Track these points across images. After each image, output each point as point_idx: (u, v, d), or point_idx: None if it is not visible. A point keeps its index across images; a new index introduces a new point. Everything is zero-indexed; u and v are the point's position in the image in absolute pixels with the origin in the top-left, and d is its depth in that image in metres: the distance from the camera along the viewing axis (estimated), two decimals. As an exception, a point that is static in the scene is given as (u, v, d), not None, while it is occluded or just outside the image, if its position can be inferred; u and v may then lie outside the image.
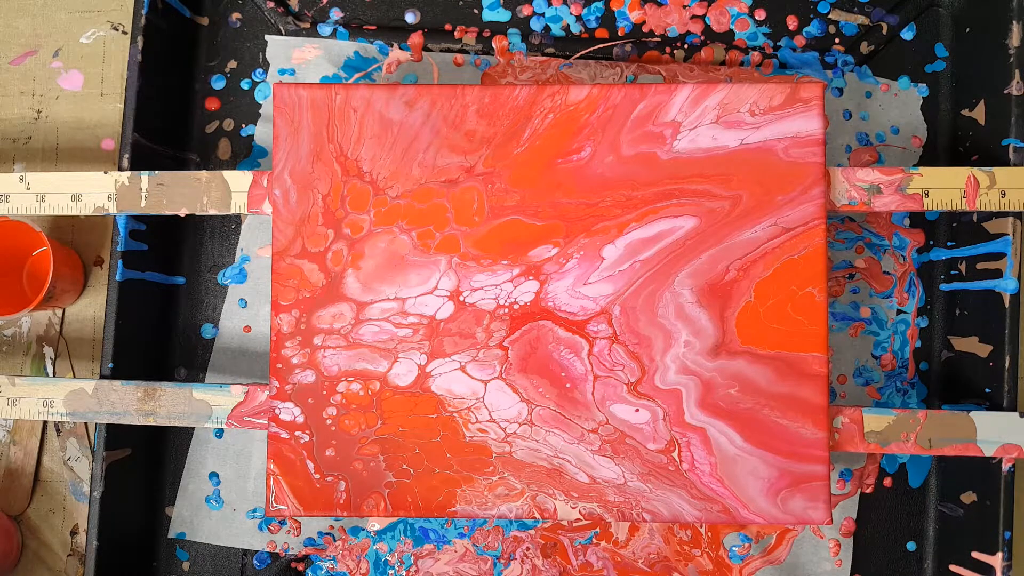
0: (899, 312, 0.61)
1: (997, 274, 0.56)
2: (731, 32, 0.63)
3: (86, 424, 0.63)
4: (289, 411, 0.53)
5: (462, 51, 0.63)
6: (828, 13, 0.62)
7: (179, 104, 0.63)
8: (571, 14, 0.63)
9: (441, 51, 0.63)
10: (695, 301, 0.53)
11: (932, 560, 0.60)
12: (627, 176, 0.53)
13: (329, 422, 0.53)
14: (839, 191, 0.54)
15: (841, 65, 0.62)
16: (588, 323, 0.53)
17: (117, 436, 0.57)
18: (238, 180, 0.55)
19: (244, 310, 0.62)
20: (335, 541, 0.61)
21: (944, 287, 0.61)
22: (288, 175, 0.54)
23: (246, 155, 0.63)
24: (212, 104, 0.64)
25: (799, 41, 0.62)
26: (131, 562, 0.60)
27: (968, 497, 0.57)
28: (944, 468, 0.60)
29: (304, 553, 0.61)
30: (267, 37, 0.64)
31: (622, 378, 0.52)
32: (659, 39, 0.63)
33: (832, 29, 0.62)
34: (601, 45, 0.62)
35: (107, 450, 0.57)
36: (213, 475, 0.61)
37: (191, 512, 0.61)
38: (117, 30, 0.65)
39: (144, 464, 0.61)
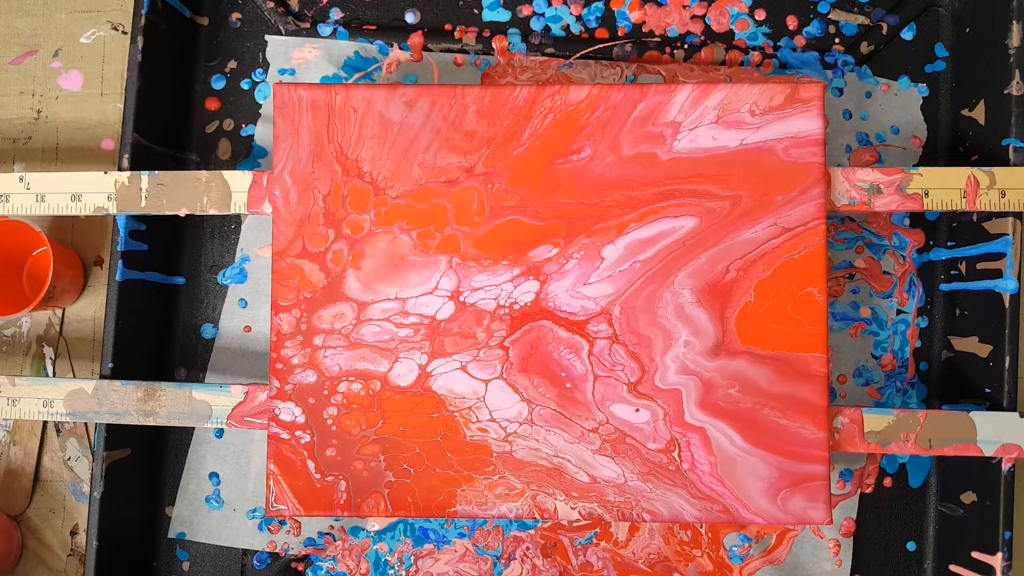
0: (899, 312, 0.61)
1: (997, 274, 0.56)
2: (731, 32, 0.63)
3: (86, 424, 0.63)
4: (289, 411, 0.53)
5: (462, 51, 0.63)
6: (828, 13, 0.62)
7: (179, 104, 0.63)
8: (571, 14, 0.63)
9: (441, 51, 0.63)
10: (695, 301, 0.53)
11: (932, 560, 0.60)
12: (627, 176, 0.53)
13: (330, 422, 0.53)
14: (839, 191, 0.54)
15: (841, 65, 0.62)
16: (588, 323, 0.53)
17: (117, 436, 0.57)
18: (238, 180, 0.55)
19: (244, 310, 0.62)
20: (335, 541, 0.61)
21: (944, 287, 0.61)
22: (288, 175, 0.54)
23: (246, 155, 0.63)
24: (212, 104, 0.64)
25: (799, 41, 0.62)
26: (131, 562, 0.60)
27: (968, 497, 0.57)
28: (944, 468, 0.60)
29: (304, 553, 0.61)
30: (267, 37, 0.64)
31: (622, 378, 0.53)
32: (659, 39, 0.63)
33: (832, 29, 0.62)
34: (601, 45, 0.62)
35: (107, 450, 0.57)
36: (213, 475, 0.61)
37: (191, 512, 0.61)
38: (117, 30, 0.65)
39: (144, 464, 0.61)
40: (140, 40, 0.58)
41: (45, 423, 0.63)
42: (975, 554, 0.56)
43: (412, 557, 0.60)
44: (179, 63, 0.63)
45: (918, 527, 0.60)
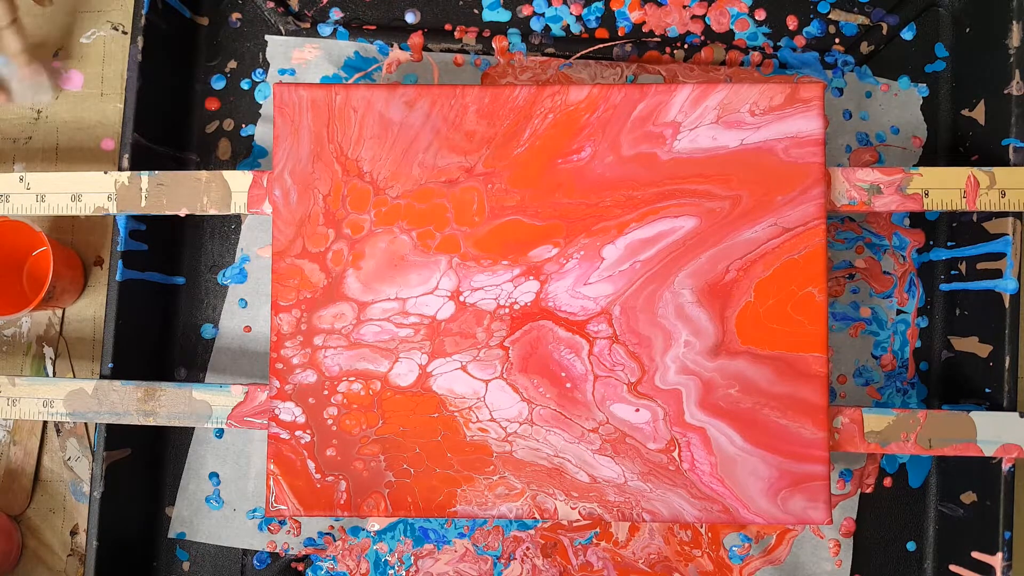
0: (899, 312, 0.61)
1: (997, 274, 0.56)
2: (731, 32, 0.63)
3: (86, 424, 0.63)
4: (289, 411, 0.53)
5: (462, 51, 0.63)
6: (828, 13, 0.62)
7: (179, 104, 0.63)
8: (571, 14, 0.63)
9: (441, 51, 0.63)
10: (695, 301, 0.53)
11: (932, 560, 0.60)
12: (627, 176, 0.53)
13: (330, 422, 0.53)
14: (839, 191, 0.54)
15: (841, 65, 0.62)
16: (588, 323, 0.53)
17: (117, 436, 0.57)
18: (238, 180, 0.55)
19: (244, 310, 0.62)
20: (335, 541, 0.61)
21: (944, 287, 0.61)
22: (288, 175, 0.54)
23: (246, 155, 0.63)
24: (212, 104, 0.64)
25: (799, 41, 0.62)
26: (131, 562, 0.60)
27: (968, 497, 0.57)
28: (944, 468, 0.60)
29: (304, 553, 0.61)
30: (267, 37, 0.64)
31: (622, 378, 0.53)
32: (659, 39, 0.63)
33: (832, 29, 0.62)
34: (601, 45, 0.62)
35: (107, 450, 0.57)
36: (213, 475, 0.61)
37: (191, 512, 0.61)
38: (117, 30, 0.65)
39: (144, 464, 0.61)
40: (140, 40, 0.58)
41: (45, 423, 0.63)
42: (975, 554, 0.56)
43: (412, 557, 0.60)
44: (179, 63, 0.63)
45: (918, 527, 0.60)
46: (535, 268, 0.53)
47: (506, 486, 0.53)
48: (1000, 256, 0.56)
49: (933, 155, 0.62)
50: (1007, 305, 0.55)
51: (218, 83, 0.64)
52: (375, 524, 0.61)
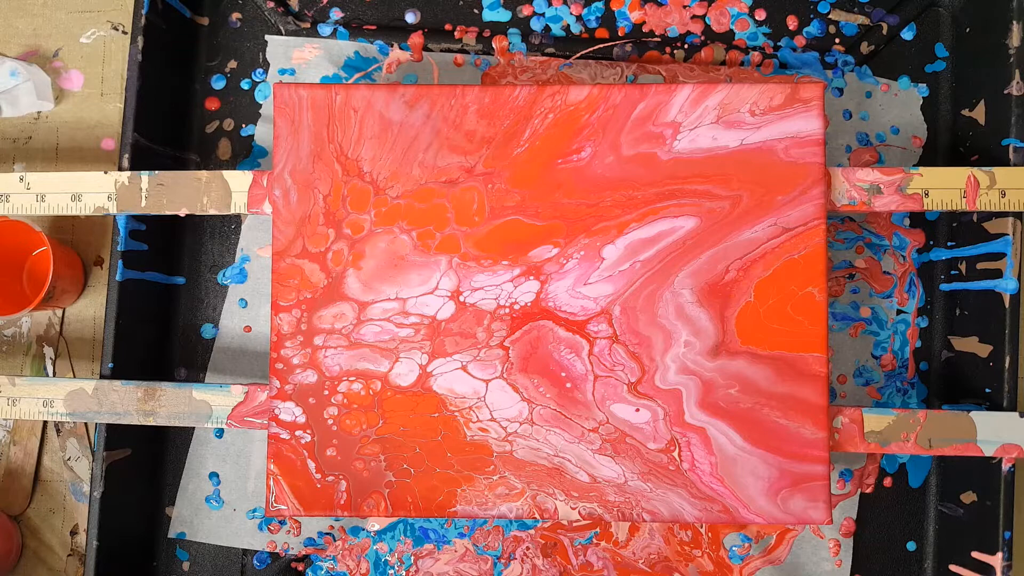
0: (899, 312, 0.61)
1: (997, 274, 0.56)
2: (731, 32, 0.63)
3: (86, 424, 0.63)
4: (289, 411, 0.53)
5: (462, 51, 0.63)
6: (828, 13, 0.62)
7: (179, 104, 0.63)
8: (571, 14, 0.63)
9: (441, 51, 0.63)
10: (695, 301, 0.53)
11: (932, 560, 0.60)
12: (627, 176, 0.53)
13: (330, 422, 0.53)
14: (839, 191, 0.54)
15: (841, 65, 0.62)
16: (588, 323, 0.53)
17: (117, 436, 0.57)
18: (238, 180, 0.55)
19: (244, 310, 0.62)
20: (335, 541, 0.61)
21: (944, 287, 0.61)
22: (288, 175, 0.54)
23: (246, 155, 0.63)
24: (212, 104, 0.64)
25: (799, 41, 0.62)
26: (131, 562, 0.60)
27: (968, 497, 0.57)
28: (944, 468, 0.60)
29: (304, 553, 0.61)
30: (267, 37, 0.64)
31: (622, 378, 0.53)
32: (659, 39, 0.63)
33: (832, 29, 0.62)
34: (601, 45, 0.62)
35: (107, 450, 0.57)
36: (213, 475, 0.61)
37: (191, 512, 0.61)
38: (117, 30, 0.65)
39: (144, 464, 0.61)
40: (140, 40, 0.58)
41: (45, 423, 0.63)
42: (975, 554, 0.56)
43: (412, 557, 0.60)
44: (179, 63, 0.63)
45: (918, 527, 0.60)
46: (535, 268, 0.53)
47: (506, 486, 0.53)
48: (1000, 256, 0.56)
49: (933, 155, 0.62)
50: (1007, 305, 0.55)
51: (218, 83, 0.64)
52: (375, 524, 0.61)
